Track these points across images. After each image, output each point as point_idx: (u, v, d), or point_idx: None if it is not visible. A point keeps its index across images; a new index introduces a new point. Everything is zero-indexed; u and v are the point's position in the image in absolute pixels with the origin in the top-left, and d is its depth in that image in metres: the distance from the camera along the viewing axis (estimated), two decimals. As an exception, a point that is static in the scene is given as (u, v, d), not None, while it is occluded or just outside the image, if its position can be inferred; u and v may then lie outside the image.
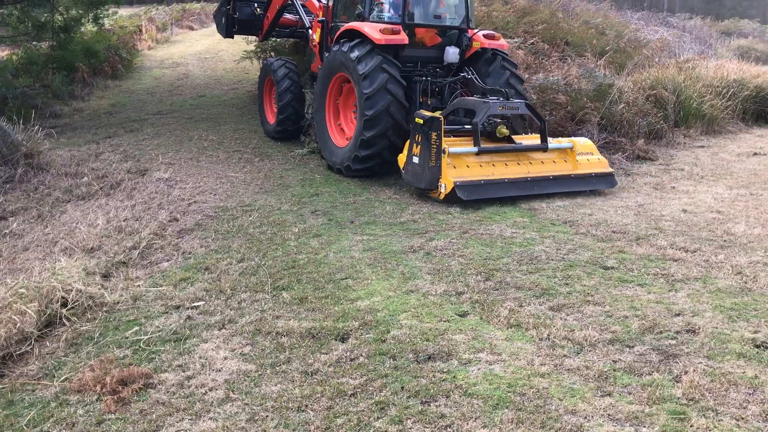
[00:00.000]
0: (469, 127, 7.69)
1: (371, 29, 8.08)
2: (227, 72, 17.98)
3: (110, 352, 4.34)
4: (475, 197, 7.17)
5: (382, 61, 7.96)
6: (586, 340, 4.06)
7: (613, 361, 3.82)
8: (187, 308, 4.92)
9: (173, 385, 3.87)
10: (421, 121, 7.24)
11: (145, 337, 4.50)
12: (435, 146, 7.08)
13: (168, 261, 5.90)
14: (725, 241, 5.97)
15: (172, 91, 15.65)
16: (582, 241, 6.01)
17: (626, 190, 8.07)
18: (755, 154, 10.50)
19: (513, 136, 7.91)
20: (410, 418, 3.34)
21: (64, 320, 4.81)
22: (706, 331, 4.14)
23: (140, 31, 24.75)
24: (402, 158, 7.67)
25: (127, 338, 4.54)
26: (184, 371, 4.02)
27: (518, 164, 7.65)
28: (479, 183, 7.26)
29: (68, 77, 15.28)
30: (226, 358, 4.12)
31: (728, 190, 8.03)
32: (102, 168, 8.63)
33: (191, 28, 30.72)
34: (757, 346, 3.95)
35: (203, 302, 4.98)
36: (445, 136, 7.25)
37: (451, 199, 7.13)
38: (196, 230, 6.58)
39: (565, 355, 3.90)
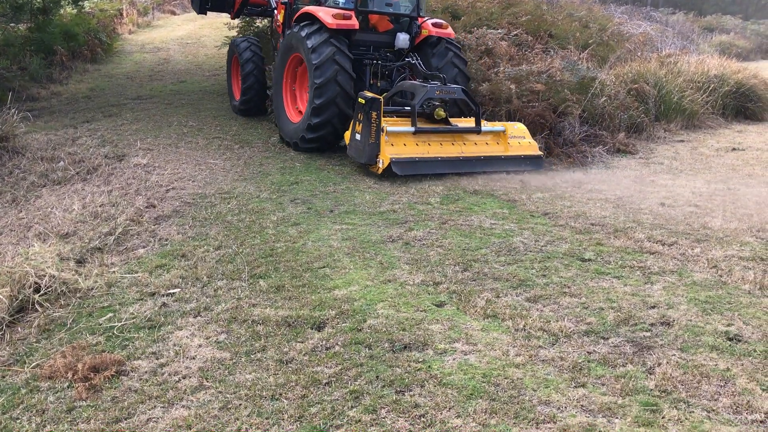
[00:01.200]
0: (408, 108, 8.21)
1: (325, 14, 8.61)
2: (208, 58, 17.82)
3: (83, 338, 4.29)
4: (408, 173, 7.75)
5: (333, 48, 8.49)
6: (562, 332, 4.06)
7: (587, 352, 3.83)
8: (163, 295, 4.87)
9: (146, 372, 3.82)
10: (363, 101, 7.79)
11: (119, 324, 4.45)
12: (374, 125, 7.64)
13: (144, 248, 5.84)
14: (702, 234, 6.01)
15: (152, 77, 15.48)
16: (560, 233, 6.02)
17: (606, 183, 8.10)
18: (734, 149, 10.59)
19: (451, 119, 8.48)
20: (384, 408, 3.32)
21: (37, 306, 4.74)
22: (680, 324, 4.17)
23: (121, 14, 24.42)
24: (347, 135, 8.23)
25: (100, 325, 4.48)
26: (157, 358, 3.98)
27: (452, 144, 8.22)
28: (414, 160, 7.82)
29: (46, 60, 15.05)
30: (200, 346, 4.08)
31: (706, 185, 8.09)
32: (79, 153, 8.51)
33: (173, 13, 30.33)
34: (730, 339, 3.98)
35: (179, 289, 4.93)
36: (386, 116, 7.94)
37: (388, 173, 7.71)
38: (174, 217, 6.52)
39: (540, 346, 3.91)
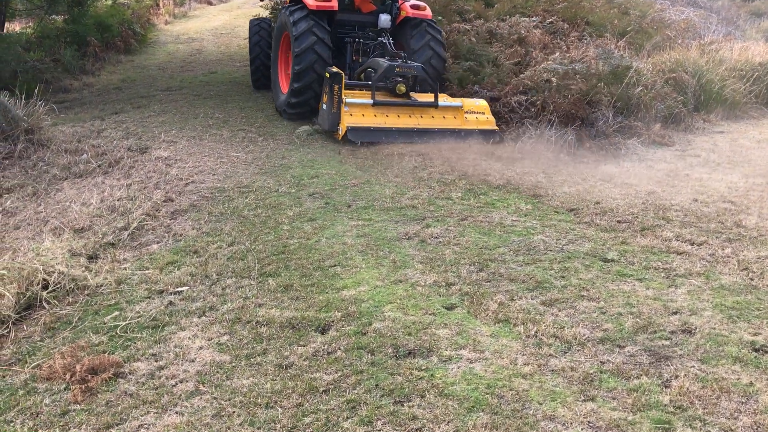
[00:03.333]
0: (380, 83, 9.04)
1: None
2: (241, 48, 17.78)
3: (86, 337, 4.23)
4: (363, 139, 8.63)
5: (312, 22, 9.41)
6: (576, 339, 3.86)
7: (600, 362, 3.63)
8: (171, 293, 4.79)
9: (143, 375, 3.74)
10: (328, 75, 8.77)
11: (123, 323, 4.38)
12: (336, 96, 8.64)
13: (158, 243, 5.78)
14: (734, 234, 5.71)
15: (184, 67, 15.50)
16: (584, 231, 5.79)
17: (637, 177, 7.81)
18: (776, 141, 10.14)
19: (412, 94, 9.15)
20: (380, 419, 3.18)
21: (44, 303, 4.71)
22: (702, 332, 3.93)
23: (157, 5, 24.58)
24: (320, 106, 9.23)
25: (105, 324, 4.42)
26: (156, 360, 3.89)
27: (410, 117, 9.01)
28: (369, 128, 8.73)
29: (80, 51, 15.17)
30: (201, 348, 3.99)
31: (744, 179, 7.73)
32: (103, 145, 8.51)
33: (210, 3, 30.47)
34: (756, 350, 3.74)
35: (187, 287, 4.85)
36: (353, 90, 8.99)
37: (346, 139, 8.64)
38: (190, 211, 6.45)
39: (551, 355, 3.71)
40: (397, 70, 8.83)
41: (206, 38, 20.00)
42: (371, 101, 8.84)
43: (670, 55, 12.90)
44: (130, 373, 3.77)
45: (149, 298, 4.76)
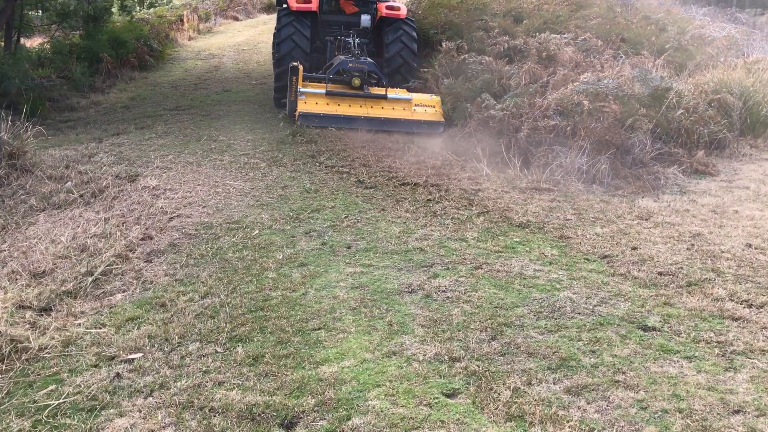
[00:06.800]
0: (333, 76, 10.21)
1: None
2: (259, 65, 17.17)
3: (6, 422, 3.48)
4: (311, 124, 9.75)
5: (292, 17, 10.93)
6: (609, 449, 3.00)
7: (642, 489, 2.77)
8: (122, 361, 4.03)
9: (56, 485, 2.97)
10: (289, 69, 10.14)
11: (56, 402, 3.62)
12: (294, 87, 9.98)
13: (123, 292, 5.03)
14: (801, 292, 4.79)
15: (198, 85, 14.90)
16: (619, 286, 4.90)
17: (680, 215, 6.88)
18: (835, 171, 9.11)
19: (371, 88, 10.18)
20: None
21: (-29, 372, 3.98)
22: (776, 444, 3.04)
23: (181, 21, 24.19)
24: None
25: (35, 402, 3.66)
26: (78, 462, 3.12)
27: (360, 107, 10.04)
28: (319, 115, 9.89)
29: (91, 68, 14.66)
30: (136, 445, 3.20)
31: (803, 219, 6.76)
32: (90, 171, 7.83)
33: (236, 18, 30.14)
34: None
35: (141, 354, 4.08)
36: (313, 82, 10.24)
37: (300, 123, 9.81)
38: (168, 252, 5.71)
39: (576, 474, 2.86)
40: (350, 65, 10.06)
41: (227, 54, 19.46)
42: (323, 91, 10.03)
43: (712, 74, 11.91)
44: (40, 482, 3.00)
45: (96, 366, 4.00)
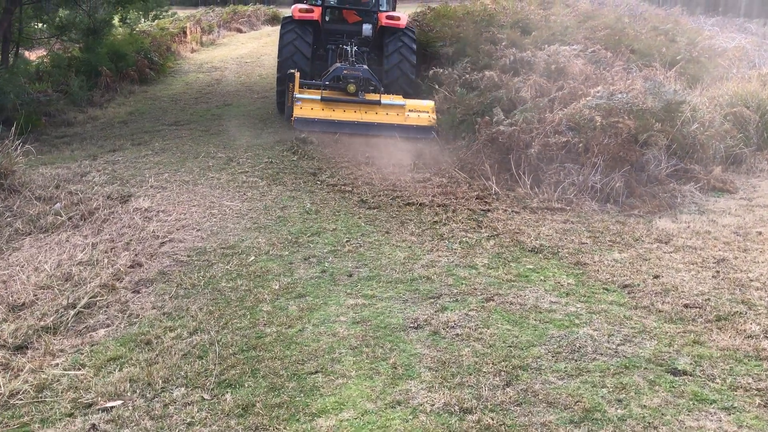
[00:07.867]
0: (327, 83, 10.41)
1: (294, 9, 11.58)
2: (262, 78, 16.87)
3: (-35, 485, 3.11)
4: (305, 128, 10.04)
5: (294, 25, 11.35)
6: None
7: None
8: (99, 410, 3.66)
9: None
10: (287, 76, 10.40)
11: (23, 461, 3.25)
12: (291, 93, 10.21)
13: (106, 327, 4.66)
14: (842, 328, 4.39)
15: (199, 98, 14.58)
16: (643, 321, 4.52)
17: (701, 237, 6.49)
18: None
19: (367, 94, 10.34)
20: None
21: (-67, 423, 3.61)
22: None
23: (184, 33, 23.94)
24: None
25: (0, 459, 3.30)
26: None
27: (354, 112, 10.28)
28: (314, 120, 10.16)
29: (90, 82, 14.36)
30: None
31: (833, 241, 6.37)
32: (81, 192, 7.48)
33: (239, 31, 29.94)
34: None
35: (121, 402, 3.71)
36: (311, 89, 10.46)
37: (295, 127, 10.10)
38: (158, 281, 5.34)
39: None
40: (345, 72, 10.25)
41: (229, 67, 19.17)
42: (318, 97, 10.28)
43: (727, 87, 11.54)
44: None
45: (70, 416, 3.63)
